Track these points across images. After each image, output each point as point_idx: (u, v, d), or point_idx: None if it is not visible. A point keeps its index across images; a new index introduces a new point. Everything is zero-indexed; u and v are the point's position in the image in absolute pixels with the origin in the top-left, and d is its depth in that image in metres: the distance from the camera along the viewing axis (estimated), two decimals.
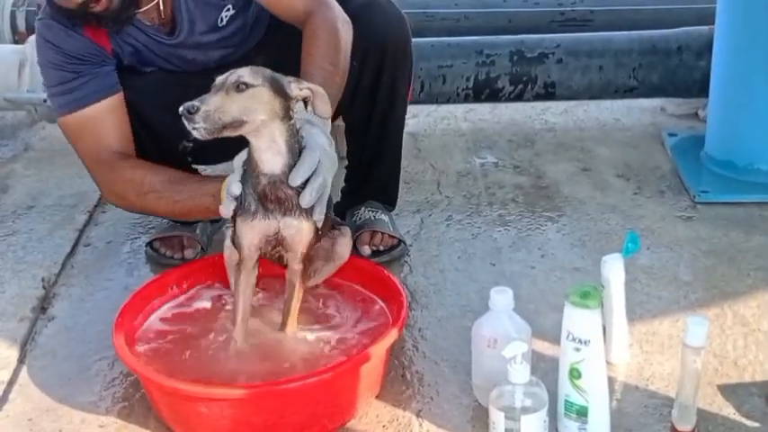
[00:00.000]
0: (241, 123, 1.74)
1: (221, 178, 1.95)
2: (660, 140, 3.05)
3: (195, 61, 2.25)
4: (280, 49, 2.21)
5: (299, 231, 1.85)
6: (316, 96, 1.83)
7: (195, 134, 1.73)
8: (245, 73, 1.75)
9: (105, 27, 2.11)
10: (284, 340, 1.93)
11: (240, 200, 1.84)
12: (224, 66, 2.25)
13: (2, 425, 1.89)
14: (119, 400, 1.93)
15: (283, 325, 1.94)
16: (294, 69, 1.94)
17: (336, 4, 2.10)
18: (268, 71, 1.79)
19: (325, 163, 1.84)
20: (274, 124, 1.77)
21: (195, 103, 1.71)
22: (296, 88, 1.80)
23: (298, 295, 1.93)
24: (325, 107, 1.84)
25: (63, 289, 2.36)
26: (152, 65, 2.24)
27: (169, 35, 2.19)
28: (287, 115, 1.79)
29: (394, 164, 2.45)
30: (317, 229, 1.88)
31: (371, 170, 2.41)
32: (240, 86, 1.73)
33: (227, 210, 1.86)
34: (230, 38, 2.25)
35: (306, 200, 1.81)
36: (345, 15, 2.10)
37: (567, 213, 2.62)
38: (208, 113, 1.71)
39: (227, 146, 1.82)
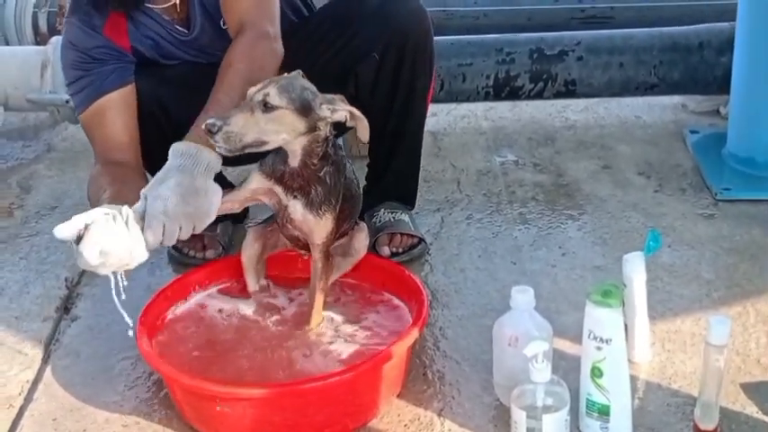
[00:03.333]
0: (261, 143, 1.78)
1: None
2: (681, 138, 3.04)
3: (215, 54, 2.26)
4: (301, 43, 2.22)
5: (305, 221, 1.90)
6: (356, 120, 1.83)
7: (217, 151, 1.76)
8: (272, 92, 1.75)
9: (119, 7, 2.12)
10: (309, 336, 1.95)
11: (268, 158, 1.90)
12: None
13: (27, 424, 1.91)
14: (142, 399, 1.95)
15: (308, 319, 1.96)
16: (311, 66, 1.96)
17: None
18: (299, 87, 1.79)
19: None
20: (297, 140, 1.80)
21: (217, 122, 1.72)
22: (326, 110, 1.80)
23: (321, 288, 1.95)
24: (365, 132, 1.84)
25: (86, 289, 2.38)
26: (174, 57, 2.25)
27: (185, 30, 2.20)
28: (312, 130, 1.81)
29: (413, 160, 2.45)
30: (333, 225, 1.92)
31: (390, 165, 2.41)
32: (267, 106, 1.74)
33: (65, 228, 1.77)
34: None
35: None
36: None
37: (588, 211, 2.61)
38: (228, 135, 1.73)
39: None
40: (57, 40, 3.14)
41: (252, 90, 1.78)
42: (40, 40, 3.58)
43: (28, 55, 3.21)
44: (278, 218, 1.95)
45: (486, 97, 3.16)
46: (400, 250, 2.38)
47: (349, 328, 1.98)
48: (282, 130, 1.78)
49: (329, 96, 1.82)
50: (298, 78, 1.83)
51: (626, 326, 1.77)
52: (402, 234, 2.40)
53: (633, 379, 1.80)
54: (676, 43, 3.11)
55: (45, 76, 3.10)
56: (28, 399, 1.98)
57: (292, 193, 1.88)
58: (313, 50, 2.19)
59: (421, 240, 2.42)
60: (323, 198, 1.88)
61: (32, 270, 2.45)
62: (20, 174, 3.05)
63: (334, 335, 1.96)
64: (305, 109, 1.78)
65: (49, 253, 2.53)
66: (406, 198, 2.49)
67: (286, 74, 1.87)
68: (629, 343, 1.84)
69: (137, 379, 2.01)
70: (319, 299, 1.96)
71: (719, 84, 3.07)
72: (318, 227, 1.91)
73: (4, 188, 2.95)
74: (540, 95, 3.15)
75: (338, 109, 1.81)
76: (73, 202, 2.82)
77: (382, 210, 2.44)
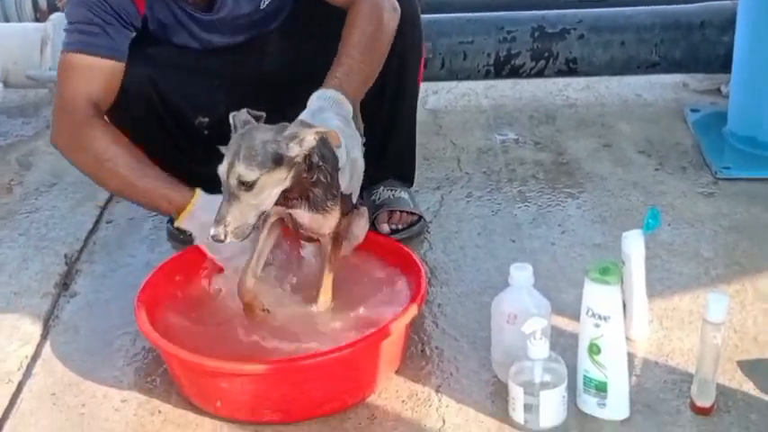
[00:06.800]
0: (263, 213, 1.77)
1: (190, 194, 2.01)
2: (682, 116, 3.03)
3: (220, 42, 2.25)
4: (303, 28, 2.21)
5: (313, 220, 1.88)
6: (324, 134, 1.77)
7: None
8: (242, 170, 1.70)
9: None
10: (315, 314, 1.95)
11: None
12: (243, 44, 2.25)
13: (26, 399, 1.91)
14: (141, 375, 1.95)
15: (316, 298, 1.96)
16: (310, 53, 2.00)
17: None
18: (260, 145, 1.71)
19: (347, 147, 1.86)
20: (288, 177, 1.77)
21: (219, 230, 1.71)
22: (295, 147, 1.73)
23: (330, 269, 1.94)
24: (336, 139, 1.80)
25: (85, 265, 2.38)
26: (173, 39, 2.22)
27: (206, 12, 2.18)
28: (292, 167, 1.75)
29: (409, 138, 2.44)
30: (340, 212, 1.90)
31: (386, 146, 2.40)
32: (245, 185, 1.71)
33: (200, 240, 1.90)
34: (263, 19, 2.24)
35: (344, 186, 1.86)
36: (394, 2, 2.08)
37: (588, 189, 2.61)
38: (235, 231, 1.72)
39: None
40: (56, 17, 3.13)
41: (221, 172, 1.73)
42: (39, 16, 3.57)
43: (27, 32, 3.20)
44: (289, 226, 1.94)
45: (487, 75, 3.15)
46: (400, 227, 2.38)
47: (349, 305, 1.97)
48: (271, 191, 1.74)
49: (290, 132, 1.74)
50: (252, 136, 1.73)
51: (624, 303, 1.77)
52: (401, 211, 2.40)
53: (631, 356, 1.80)
54: (678, 21, 3.10)
55: (45, 52, 3.09)
56: (27, 374, 1.98)
57: (291, 202, 1.85)
58: (304, 36, 2.21)
59: (420, 218, 2.42)
60: (323, 197, 1.85)
61: (31, 246, 2.45)
62: (19, 150, 3.05)
63: (334, 311, 1.96)
64: (278, 161, 1.73)
65: (48, 229, 2.53)
66: (405, 176, 2.49)
67: (233, 113, 1.82)
68: (627, 320, 1.85)
69: (136, 354, 2.01)
70: (328, 279, 1.95)
71: (721, 62, 3.06)
72: (327, 221, 1.89)
73: (4, 165, 2.96)
74: (541, 74, 3.14)
75: (304, 138, 1.74)
76: (72, 179, 2.81)
77: (381, 187, 2.44)
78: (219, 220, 1.72)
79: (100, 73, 2.11)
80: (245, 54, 2.26)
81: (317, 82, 1.96)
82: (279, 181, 1.75)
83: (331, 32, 2.12)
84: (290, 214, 1.88)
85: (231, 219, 1.72)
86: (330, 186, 1.84)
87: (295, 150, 1.74)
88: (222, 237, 1.72)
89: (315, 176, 1.81)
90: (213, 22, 2.20)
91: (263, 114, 1.83)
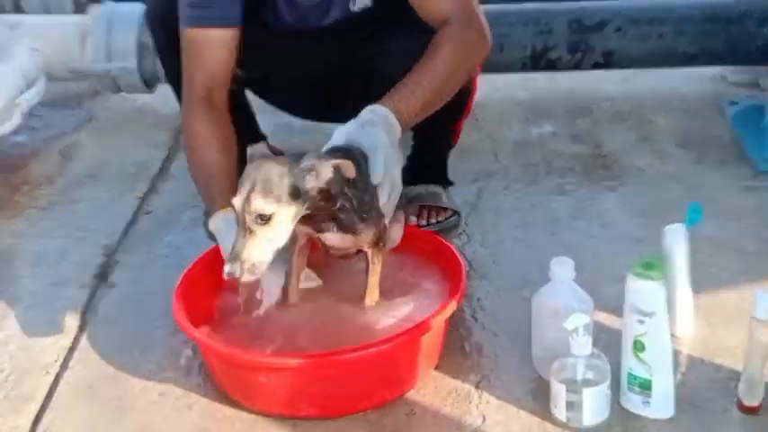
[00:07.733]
0: (278, 250, 1.71)
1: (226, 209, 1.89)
2: (720, 109, 2.99)
3: (296, 27, 2.22)
4: (369, 38, 2.19)
5: (344, 240, 1.86)
6: (341, 166, 1.71)
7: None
8: (259, 201, 1.65)
9: None
10: (359, 311, 1.93)
11: None
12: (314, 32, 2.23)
13: (62, 391, 1.91)
14: (178, 368, 1.95)
15: (363, 295, 1.94)
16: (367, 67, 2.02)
17: (479, 20, 2.03)
18: (276, 178, 1.66)
19: (388, 164, 1.83)
20: (303, 210, 1.73)
21: (234, 267, 1.65)
22: (311, 180, 1.69)
23: (375, 268, 1.92)
24: (351, 171, 1.72)
25: (124, 257, 2.38)
26: (257, 11, 2.18)
27: None
28: (314, 196, 1.72)
29: (441, 149, 2.42)
30: (376, 228, 1.86)
31: (416, 158, 2.39)
32: (262, 218, 1.66)
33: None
34: (348, 20, 2.20)
35: (382, 202, 1.83)
36: (484, 32, 2.03)
37: (627, 183, 2.58)
38: (252, 269, 1.67)
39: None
40: (96, 9, 3.12)
41: (237, 204, 1.67)
42: (79, 9, 3.57)
43: (68, 25, 3.19)
44: (320, 247, 1.93)
45: (524, 68, 3.12)
46: (432, 222, 2.35)
47: (389, 301, 1.95)
48: (288, 225, 1.70)
49: (306, 164, 1.69)
50: (268, 168, 1.68)
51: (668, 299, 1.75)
52: (433, 207, 2.38)
53: (675, 353, 1.78)
54: (717, 13, 3.05)
55: (85, 45, 3.09)
56: (64, 366, 1.98)
57: (319, 225, 1.82)
58: (352, 48, 2.20)
59: (454, 213, 2.40)
60: (350, 220, 1.81)
61: (71, 237, 2.46)
62: (61, 142, 3.05)
63: (377, 307, 1.94)
64: (295, 194, 1.68)
65: (87, 221, 2.54)
66: (438, 182, 2.46)
67: (251, 145, 1.81)
68: (671, 316, 1.82)
69: (173, 347, 2.01)
70: (374, 277, 1.93)
71: (760, 54, 3.01)
72: (360, 240, 1.86)
73: (46, 156, 2.96)
74: (578, 67, 3.11)
75: (320, 171, 1.70)
76: (113, 171, 2.83)
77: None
78: (235, 257, 1.65)
79: (217, 44, 2.08)
80: (311, 42, 2.24)
81: (362, 96, 1.93)
82: (294, 217, 1.71)
83: (368, 47, 2.11)
84: (319, 237, 1.86)
85: (247, 255, 1.66)
86: (359, 209, 1.80)
87: (311, 183, 1.70)
88: (238, 274, 1.66)
89: (339, 204, 1.77)
90: (303, 6, 2.17)
91: (284, 152, 1.80)
